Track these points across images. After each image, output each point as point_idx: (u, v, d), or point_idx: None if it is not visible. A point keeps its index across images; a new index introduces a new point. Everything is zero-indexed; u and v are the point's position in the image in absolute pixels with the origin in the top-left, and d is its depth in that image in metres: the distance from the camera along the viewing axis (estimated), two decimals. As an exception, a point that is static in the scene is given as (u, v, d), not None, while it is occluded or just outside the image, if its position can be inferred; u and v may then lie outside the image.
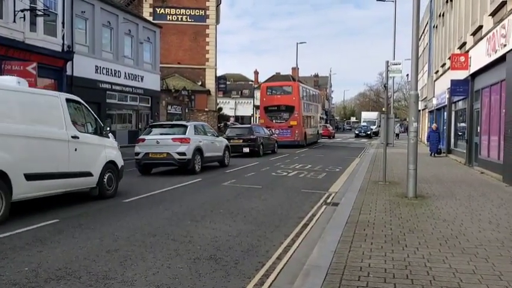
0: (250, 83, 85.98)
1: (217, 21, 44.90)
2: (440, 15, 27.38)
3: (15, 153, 7.79)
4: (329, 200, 10.06)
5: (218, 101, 53.19)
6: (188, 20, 43.10)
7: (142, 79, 29.41)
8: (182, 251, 6.03)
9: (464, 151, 18.52)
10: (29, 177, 8.02)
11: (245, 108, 79.57)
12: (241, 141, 23.05)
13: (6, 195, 7.58)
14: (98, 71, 25.04)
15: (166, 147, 14.70)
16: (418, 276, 4.71)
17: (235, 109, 79.33)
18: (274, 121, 31.78)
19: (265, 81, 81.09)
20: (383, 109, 23.39)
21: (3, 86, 8.05)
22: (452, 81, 18.60)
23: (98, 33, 25.01)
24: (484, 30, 14.87)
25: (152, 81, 30.88)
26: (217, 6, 44.53)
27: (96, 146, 10.05)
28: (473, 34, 16.48)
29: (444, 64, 24.22)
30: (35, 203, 9.10)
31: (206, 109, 40.70)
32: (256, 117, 76.87)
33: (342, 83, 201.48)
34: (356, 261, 5.17)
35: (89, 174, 9.68)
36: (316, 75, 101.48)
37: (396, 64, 13.97)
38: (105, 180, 10.12)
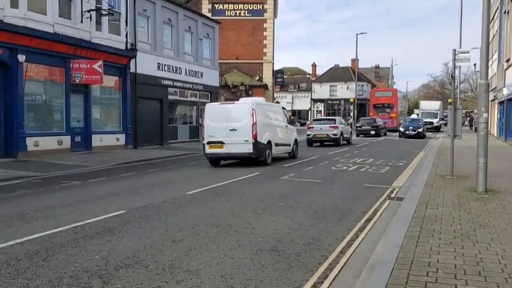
0: (308, 76, 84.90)
1: (275, 15, 44.84)
2: None
3: (272, 133, 16.22)
4: (392, 195, 9.77)
5: (275, 95, 53.22)
6: (247, 14, 43.35)
7: (201, 75, 29.90)
8: (244, 242, 6.08)
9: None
10: (276, 144, 16.48)
11: (302, 102, 78.34)
12: (370, 127, 36.70)
13: (271, 153, 16.07)
14: (160, 68, 25.69)
15: (326, 131, 25.53)
16: (492, 273, 4.46)
17: (292, 103, 78.19)
18: (379, 114, 46.55)
19: (324, 73, 79.91)
20: (449, 100, 22.40)
21: (262, 102, 17.36)
22: (525, 69, 17.48)
23: (160, 31, 25.68)
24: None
25: (211, 77, 31.33)
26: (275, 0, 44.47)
27: (291, 130, 18.59)
28: (550, 18, 15.38)
29: (516, 51, 22.80)
30: (104, 195, 9.54)
31: (264, 103, 40.79)
32: (314, 111, 75.85)
33: (405, 74, 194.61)
34: (423, 257, 4.98)
35: (289, 145, 18.14)
36: (377, 67, 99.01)
37: (464, 52, 13.24)
38: (294, 148, 18.47)
